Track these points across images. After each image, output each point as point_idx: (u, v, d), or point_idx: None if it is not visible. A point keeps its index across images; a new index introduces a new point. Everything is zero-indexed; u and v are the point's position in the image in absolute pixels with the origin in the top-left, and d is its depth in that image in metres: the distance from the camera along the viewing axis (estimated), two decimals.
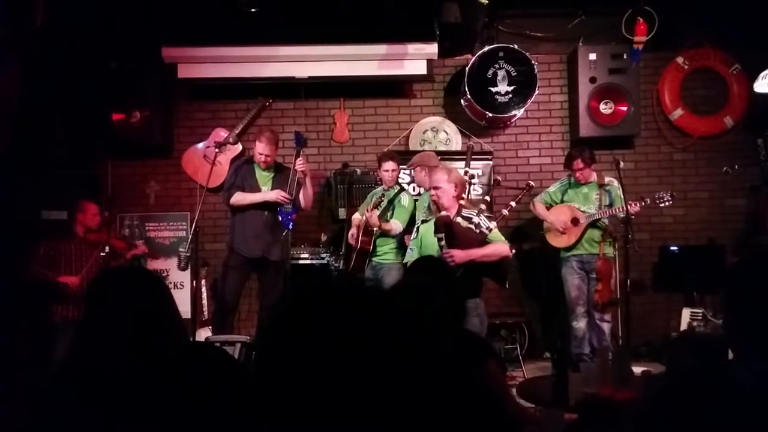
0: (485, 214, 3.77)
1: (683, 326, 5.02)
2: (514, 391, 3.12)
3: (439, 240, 3.50)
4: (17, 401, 4.03)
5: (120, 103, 5.36)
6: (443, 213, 3.63)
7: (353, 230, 4.75)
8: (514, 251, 4.19)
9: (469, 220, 3.58)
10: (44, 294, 4.45)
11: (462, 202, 3.73)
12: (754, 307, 1.32)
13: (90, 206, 4.67)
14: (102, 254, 4.58)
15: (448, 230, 3.52)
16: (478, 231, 3.53)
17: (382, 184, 4.88)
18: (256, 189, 4.66)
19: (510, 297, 5.32)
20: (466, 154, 5.08)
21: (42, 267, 4.45)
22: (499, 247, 3.58)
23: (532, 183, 4.21)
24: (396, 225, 4.54)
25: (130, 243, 4.95)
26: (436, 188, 3.73)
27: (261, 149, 4.63)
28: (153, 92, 5.44)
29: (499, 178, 4.45)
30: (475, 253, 3.47)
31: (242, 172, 4.69)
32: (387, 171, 4.73)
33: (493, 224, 3.61)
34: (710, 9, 5.44)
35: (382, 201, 4.59)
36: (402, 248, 4.55)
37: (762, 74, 4.99)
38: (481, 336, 2.73)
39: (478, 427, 1.92)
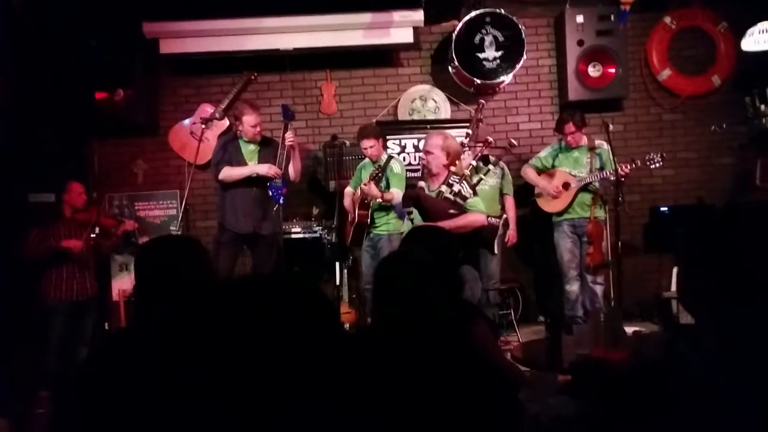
0: (469, 181, 3.71)
1: (674, 286, 5.09)
2: (508, 355, 3.16)
3: (409, 214, 3.49)
4: (20, 383, 4.09)
5: (103, 82, 5.26)
6: (419, 184, 3.62)
7: (347, 200, 4.73)
8: (502, 218, 4.19)
9: (450, 187, 3.56)
10: (45, 266, 4.41)
11: (453, 168, 3.70)
12: (706, 280, 1.26)
13: (75, 185, 4.61)
14: (93, 235, 4.55)
15: (416, 204, 3.50)
16: (453, 200, 3.50)
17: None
18: (243, 164, 4.61)
19: (503, 263, 5.34)
20: (475, 113, 4.96)
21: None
22: (471, 216, 3.53)
23: (514, 142, 4.15)
24: (396, 193, 4.51)
25: (119, 220, 4.89)
26: (427, 152, 3.70)
27: (253, 121, 4.56)
28: (136, 69, 5.34)
29: (514, 141, 4.28)
30: (446, 225, 3.37)
31: (228, 148, 4.65)
32: (366, 148, 4.70)
33: (481, 186, 3.58)
34: None
35: (380, 174, 4.53)
36: (401, 217, 4.54)
37: (749, 31, 4.96)
38: (469, 301, 2.74)
39: (470, 384, 1.95)
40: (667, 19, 5.63)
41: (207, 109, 5.54)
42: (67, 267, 4.43)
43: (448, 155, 3.66)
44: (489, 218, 3.67)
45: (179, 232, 4.79)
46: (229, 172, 4.57)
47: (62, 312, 4.42)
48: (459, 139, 4.55)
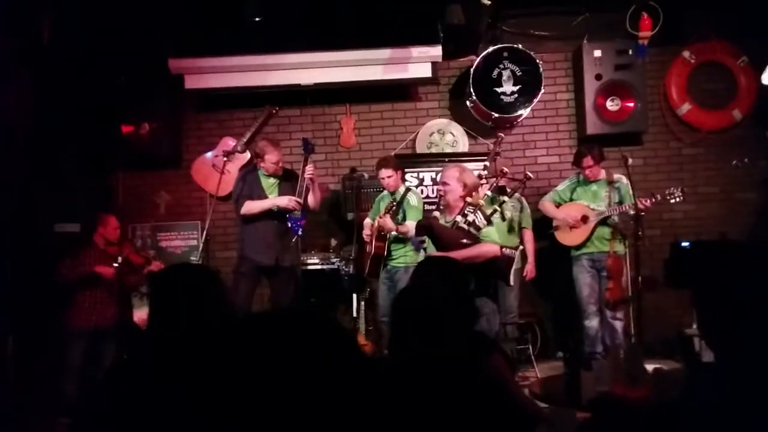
0: (483, 211, 3.71)
1: (696, 323, 4.98)
2: (526, 391, 3.11)
3: (422, 243, 3.49)
4: (39, 410, 4.14)
5: (129, 116, 5.43)
6: (433, 213, 3.65)
7: (366, 230, 4.76)
8: (518, 249, 4.16)
9: (465, 217, 3.57)
10: (70, 292, 4.51)
11: (469, 200, 3.71)
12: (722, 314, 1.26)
13: (111, 219, 4.76)
14: (116, 265, 4.63)
15: (429, 233, 3.51)
16: (467, 230, 3.50)
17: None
18: (263, 197, 4.67)
19: (521, 297, 5.29)
20: (494, 146, 4.97)
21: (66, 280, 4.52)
22: (484, 247, 3.51)
23: (530, 174, 4.16)
24: (412, 226, 4.52)
25: (147, 258, 4.97)
26: (444, 184, 3.74)
27: (274, 158, 4.64)
28: (161, 104, 5.51)
29: (531, 174, 4.29)
30: (458, 254, 3.36)
31: (247, 182, 4.72)
32: (384, 178, 4.74)
33: (496, 217, 3.60)
34: (715, 1, 5.41)
35: (394, 206, 4.56)
36: (417, 250, 4.54)
37: None
38: (486, 334, 2.72)
39: (487, 419, 1.92)
40: (686, 54, 5.63)
41: (229, 143, 5.65)
42: (91, 294, 4.52)
43: (464, 187, 3.69)
44: (503, 249, 3.65)
45: (200, 263, 4.84)
46: (250, 206, 4.63)
47: (82, 338, 4.50)
48: (477, 172, 4.58)
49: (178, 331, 1.79)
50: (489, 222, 3.59)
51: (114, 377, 1.87)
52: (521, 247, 4.73)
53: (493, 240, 3.59)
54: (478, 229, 3.51)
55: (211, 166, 5.64)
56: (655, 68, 5.65)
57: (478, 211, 3.58)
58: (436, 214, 3.69)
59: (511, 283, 3.88)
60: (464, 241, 3.47)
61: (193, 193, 5.77)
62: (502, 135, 4.99)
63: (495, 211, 3.71)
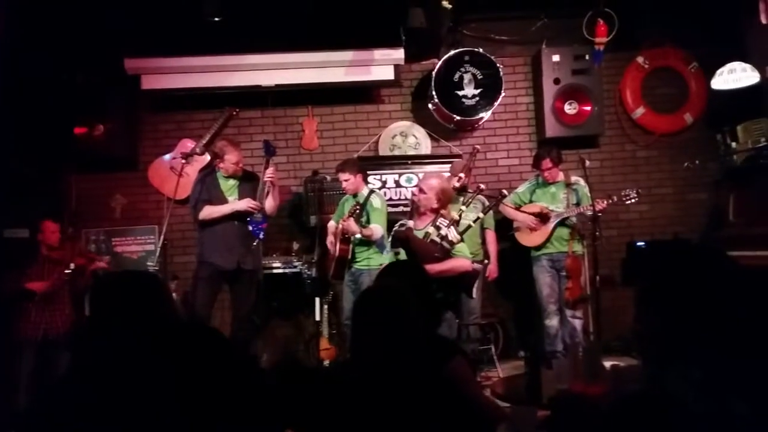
0: (456, 227, 3.77)
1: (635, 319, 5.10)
2: (488, 391, 3.13)
3: (396, 254, 3.52)
4: None
5: (83, 117, 5.27)
6: (408, 224, 3.67)
7: (330, 238, 4.73)
8: (485, 263, 4.22)
9: (438, 230, 3.61)
10: (13, 300, 4.41)
11: (443, 211, 3.76)
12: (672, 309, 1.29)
13: (48, 224, 4.61)
14: (67, 271, 4.49)
15: (405, 245, 3.53)
16: (440, 244, 3.55)
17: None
18: (223, 200, 4.59)
19: (483, 298, 5.34)
20: (469, 158, 5.04)
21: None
22: (457, 262, 3.58)
23: (505, 192, 4.28)
24: (376, 229, 4.53)
25: (91, 258, 4.86)
26: (421, 191, 3.76)
27: (234, 158, 4.58)
28: (116, 105, 5.37)
29: (482, 185, 4.41)
30: (432, 268, 3.40)
31: (206, 184, 4.63)
32: (342, 182, 4.74)
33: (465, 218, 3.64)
34: (668, 9, 5.58)
35: (357, 209, 4.55)
36: (382, 252, 4.54)
37: (719, 71, 5.13)
38: (447, 338, 2.74)
39: (449, 422, 1.93)
40: (640, 59, 5.80)
41: (188, 145, 5.55)
42: (35, 304, 4.40)
43: (439, 200, 3.73)
44: (473, 264, 3.72)
45: (157, 268, 4.74)
46: (209, 212, 4.55)
47: (31, 348, 4.36)
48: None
49: (116, 340, 1.75)
50: (462, 239, 3.65)
51: (59, 387, 1.82)
52: (486, 261, 4.83)
53: (464, 255, 3.65)
54: (451, 243, 3.56)
55: (168, 169, 5.53)
56: (610, 73, 5.80)
57: (452, 227, 3.63)
58: (410, 223, 3.70)
59: (474, 296, 3.95)
60: (437, 255, 3.52)
61: (149, 197, 5.64)
62: (478, 147, 5.09)
63: (469, 227, 3.78)
